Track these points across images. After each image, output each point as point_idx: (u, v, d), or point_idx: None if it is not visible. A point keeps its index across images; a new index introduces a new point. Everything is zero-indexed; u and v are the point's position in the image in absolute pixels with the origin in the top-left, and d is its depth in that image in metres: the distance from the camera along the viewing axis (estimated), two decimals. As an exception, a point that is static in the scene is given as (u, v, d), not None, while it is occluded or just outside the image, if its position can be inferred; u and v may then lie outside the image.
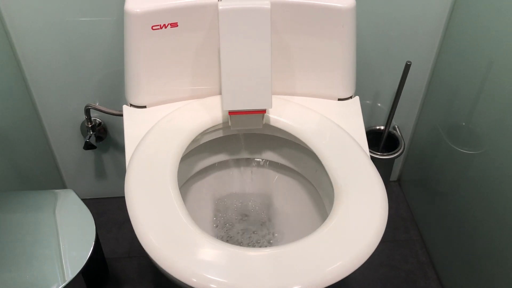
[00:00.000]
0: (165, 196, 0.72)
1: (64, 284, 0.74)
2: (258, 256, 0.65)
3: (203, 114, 0.87)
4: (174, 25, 0.83)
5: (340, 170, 0.77)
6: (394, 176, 1.40)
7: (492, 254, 0.92)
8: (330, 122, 0.87)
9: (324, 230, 0.68)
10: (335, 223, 0.69)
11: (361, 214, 0.70)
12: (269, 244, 0.98)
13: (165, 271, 0.64)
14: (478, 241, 0.97)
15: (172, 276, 0.64)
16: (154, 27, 0.82)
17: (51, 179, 1.22)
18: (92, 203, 1.32)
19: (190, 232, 0.67)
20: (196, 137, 0.85)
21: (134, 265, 1.18)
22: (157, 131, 0.83)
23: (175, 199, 0.71)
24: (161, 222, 0.68)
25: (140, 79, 0.87)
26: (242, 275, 0.62)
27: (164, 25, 0.82)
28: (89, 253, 0.79)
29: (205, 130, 0.86)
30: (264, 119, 0.87)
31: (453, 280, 1.09)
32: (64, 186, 1.29)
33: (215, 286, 0.61)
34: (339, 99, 0.93)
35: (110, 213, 1.30)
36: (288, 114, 0.88)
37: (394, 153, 1.20)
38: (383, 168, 1.25)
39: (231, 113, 0.83)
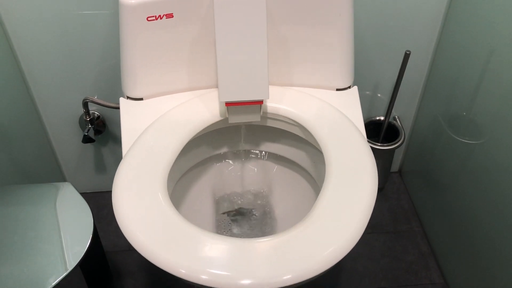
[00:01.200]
0: (153, 191, 0.72)
1: (61, 277, 0.74)
2: (251, 246, 0.64)
3: (203, 111, 0.86)
4: (169, 16, 0.82)
5: (335, 155, 0.77)
6: (395, 167, 1.39)
7: (493, 244, 0.92)
8: (329, 106, 0.86)
9: (313, 216, 0.68)
10: (325, 206, 0.69)
11: (349, 197, 0.71)
12: (267, 235, 0.98)
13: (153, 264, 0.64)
14: (479, 231, 0.96)
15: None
16: (149, 18, 0.82)
17: (51, 174, 1.22)
18: (92, 197, 1.32)
19: (176, 225, 0.67)
20: (196, 135, 0.85)
21: (135, 258, 1.18)
22: (155, 129, 0.83)
23: (162, 194, 0.71)
24: (147, 217, 0.68)
25: (136, 71, 0.87)
26: (231, 265, 0.62)
27: (160, 16, 0.82)
28: (87, 247, 0.79)
29: (205, 129, 0.86)
30: (263, 108, 0.86)
31: (454, 270, 1.08)
32: (64, 180, 1.29)
33: (206, 277, 0.61)
34: (337, 89, 0.93)
35: (111, 207, 1.29)
36: (287, 101, 0.87)
37: (395, 144, 1.19)
38: (384, 158, 1.24)
39: (228, 104, 0.82)
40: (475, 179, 0.97)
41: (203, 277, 0.61)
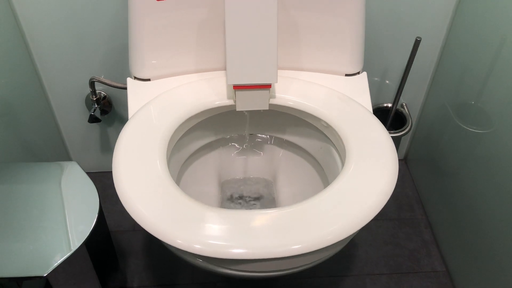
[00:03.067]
0: (152, 162, 0.72)
1: (67, 256, 0.75)
2: (249, 217, 0.65)
3: (209, 92, 0.85)
4: (179, -4, 0.81)
5: (352, 135, 0.77)
6: (400, 154, 1.39)
7: (496, 234, 0.92)
8: (336, 92, 0.86)
9: (329, 191, 0.68)
10: (340, 185, 0.69)
11: (369, 178, 0.70)
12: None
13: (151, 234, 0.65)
14: (483, 221, 0.96)
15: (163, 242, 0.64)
16: (158, -2, 0.81)
17: (56, 153, 1.22)
18: (97, 177, 1.32)
19: (175, 196, 0.68)
20: (197, 114, 0.84)
21: (139, 238, 1.19)
22: (156, 103, 0.83)
23: (162, 168, 0.72)
24: (148, 190, 0.69)
25: (144, 51, 0.86)
26: (226, 234, 0.63)
27: (169, -4, 0.81)
28: (93, 225, 0.79)
29: (211, 111, 0.85)
30: (270, 100, 0.86)
31: (457, 259, 1.09)
32: (69, 159, 1.30)
33: (200, 247, 0.61)
34: (346, 75, 0.92)
35: (116, 187, 1.31)
36: (293, 91, 0.87)
37: (401, 131, 1.18)
38: (390, 146, 1.23)
39: (236, 87, 0.82)
40: (481, 168, 0.97)
41: (197, 246, 0.61)
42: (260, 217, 0.65)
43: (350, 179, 0.70)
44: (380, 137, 0.77)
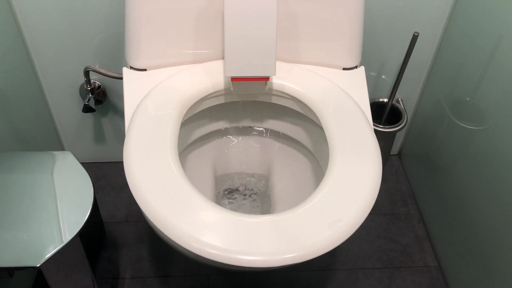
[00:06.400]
0: (164, 160, 0.71)
1: (61, 246, 0.74)
2: (256, 223, 0.64)
3: (204, 79, 0.85)
4: (177, -15, 0.80)
5: (339, 136, 0.76)
6: (395, 149, 1.39)
7: (489, 230, 0.92)
8: (336, 87, 0.85)
9: (317, 197, 0.67)
10: (328, 189, 0.69)
11: (354, 181, 0.70)
12: (267, 212, 0.98)
13: (163, 233, 0.64)
14: (476, 217, 0.97)
15: (170, 239, 0.63)
16: (156, -13, 0.80)
17: (50, 142, 1.21)
18: (90, 167, 1.31)
19: (190, 195, 0.66)
20: (197, 102, 0.83)
21: (131, 229, 1.18)
22: (156, 94, 0.82)
23: (174, 163, 0.71)
24: (160, 185, 0.68)
25: (141, 41, 0.85)
26: (239, 241, 0.62)
27: (167, -15, 0.80)
28: (87, 216, 0.78)
29: (206, 96, 0.85)
30: (268, 84, 0.85)
31: (449, 254, 1.09)
32: (62, 149, 1.28)
33: (214, 251, 0.61)
34: (344, 69, 0.91)
35: (109, 178, 1.30)
36: (293, 78, 0.86)
37: (397, 126, 1.18)
38: (385, 141, 1.24)
39: (234, 79, 0.81)
40: (474, 165, 0.97)
41: (211, 250, 0.61)
42: (268, 223, 0.64)
43: (337, 183, 0.70)
44: (367, 143, 0.76)
